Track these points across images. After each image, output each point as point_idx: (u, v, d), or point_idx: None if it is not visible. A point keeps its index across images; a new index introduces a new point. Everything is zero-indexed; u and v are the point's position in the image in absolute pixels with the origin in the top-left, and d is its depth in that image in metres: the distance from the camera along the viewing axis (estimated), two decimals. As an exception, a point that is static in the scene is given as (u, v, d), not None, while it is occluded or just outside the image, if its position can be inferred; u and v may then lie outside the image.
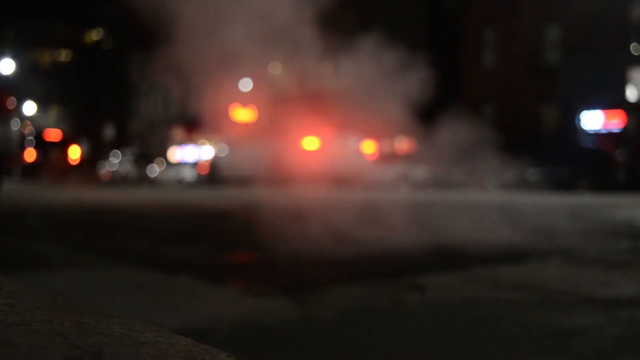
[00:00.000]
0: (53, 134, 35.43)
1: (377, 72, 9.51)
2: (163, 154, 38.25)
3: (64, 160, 32.61)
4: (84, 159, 36.00)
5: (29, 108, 49.62)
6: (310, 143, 17.76)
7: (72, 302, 1.98)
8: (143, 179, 35.05)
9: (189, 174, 32.52)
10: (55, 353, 1.34)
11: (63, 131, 41.31)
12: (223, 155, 25.50)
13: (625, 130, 28.33)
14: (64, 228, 8.72)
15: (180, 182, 31.94)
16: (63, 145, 33.45)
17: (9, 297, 1.89)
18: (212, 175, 25.77)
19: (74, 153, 33.22)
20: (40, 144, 32.25)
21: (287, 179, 17.39)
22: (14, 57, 40.72)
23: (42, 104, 56.30)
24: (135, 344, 1.48)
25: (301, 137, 16.90)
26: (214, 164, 26.19)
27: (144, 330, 1.61)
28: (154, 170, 36.83)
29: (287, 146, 18.00)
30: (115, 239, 7.51)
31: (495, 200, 14.68)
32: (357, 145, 20.22)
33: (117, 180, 35.95)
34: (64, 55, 62.36)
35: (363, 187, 20.21)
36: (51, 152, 32.56)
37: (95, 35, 60.81)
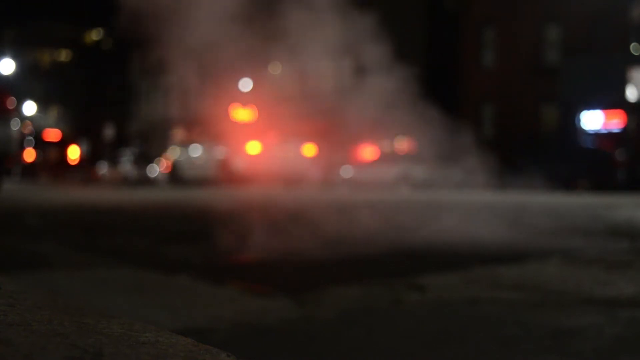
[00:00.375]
0: (52, 134, 35.39)
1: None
2: (163, 154, 38.30)
3: (63, 160, 32.60)
4: (83, 159, 35.97)
5: (29, 108, 49.57)
6: (253, 147, 19.92)
7: (72, 302, 1.98)
8: (143, 179, 35.07)
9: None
10: (55, 353, 1.34)
11: (62, 131, 41.24)
12: (181, 156, 27.55)
13: (625, 130, 28.32)
14: (64, 228, 8.72)
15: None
16: (62, 145, 33.44)
17: (9, 297, 1.89)
18: (173, 175, 27.30)
19: (73, 153, 33.21)
20: (40, 144, 32.23)
21: (234, 180, 19.72)
22: (14, 57, 40.67)
23: (42, 104, 56.25)
24: (135, 344, 1.48)
25: (245, 141, 19.02)
26: (174, 165, 27.85)
27: (144, 330, 1.61)
28: (154, 170, 36.86)
29: (233, 150, 21.14)
30: (115, 239, 7.51)
31: (495, 200, 14.68)
32: (297, 149, 21.81)
33: (117, 180, 35.98)
34: (64, 55, 62.30)
35: (362, 188, 20.47)
36: (50, 152, 32.55)
37: (95, 35, 60.76)
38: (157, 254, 6.32)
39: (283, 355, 3.01)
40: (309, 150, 22.66)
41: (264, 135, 18.91)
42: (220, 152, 23.33)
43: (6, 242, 6.76)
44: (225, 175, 22.17)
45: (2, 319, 1.61)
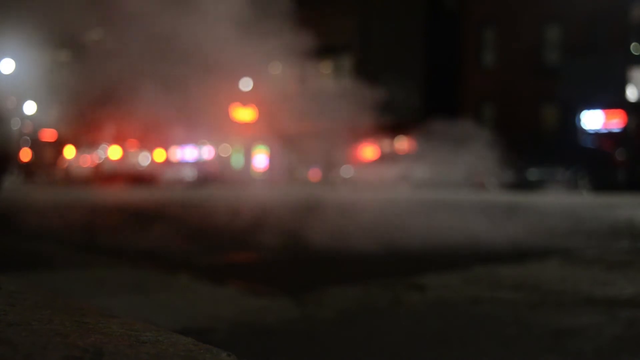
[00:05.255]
0: (48, 134, 35.36)
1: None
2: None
3: (59, 160, 32.82)
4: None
5: (29, 108, 49.47)
6: (115, 152, 26.12)
7: (73, 301, 1.98)
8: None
9: (189, 174, 32.71)
10: (56, 352, 1.34)
11: (58, 131, 41.17)
12: (72, 161, 33.04)
13: (625, 130, 28.30)
14: (64, 228, 8.72)
15: (181, 182, 32.06)
16: (58, 145, 33.52)
17: (9, 296, 1.89)
18: (66, 175, 32.06)
19: (69, 153, 33.29)
20: (36, 144, 32.46)
21: (103, 180, 24.47)
22: (14, 57, 40.48)
23: (41, 104, 56.09)
24: (135, 343, 1.48)
25: (110, 146, 25.00)
26: (67, 168, 32.82)
27: (144, 330, 1.61)
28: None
29: (103, 155, 27.27)
30: (115, 239, 7.51)
31: (495, 200, 14.68)
32: (149, 155, 27.73)
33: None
34: (64, 55, 62.18)
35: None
36: (46, 152, 32.83)
37: (95, 35, 60.67)
38: (157, 254, 6.32)
39: (283, 355, 3.01)
40: (159, 155, 28.11)
41: (123, 143, 24.81)
42: (96, 156, 29.23)
43: (6, 242, 6.76)
44: (97, 176, 27.41)
45: (2, 319, 1.60)
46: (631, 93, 28.52)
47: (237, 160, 26.86)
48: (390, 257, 6.13)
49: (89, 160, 30.03)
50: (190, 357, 1.42)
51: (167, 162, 29.77)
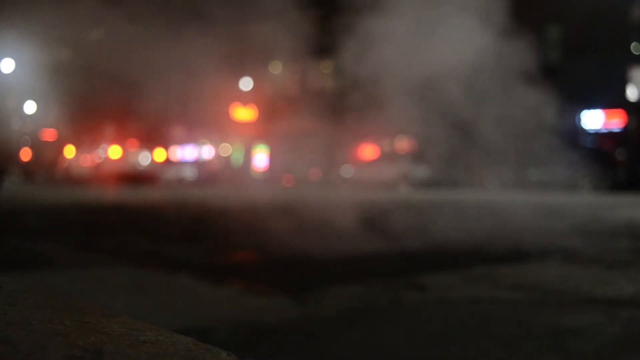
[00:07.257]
0: (48, 134, 35.40)
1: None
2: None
3: (59, 159, 32.87)
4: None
5: (29, 108, 49.47)
6: (115, 152, 27.14)
7: (73, 301, 1.98)
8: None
9: (189, 174, 32.78)
10: (56, 352, 1.34)
11: (58, 131, 41.22)
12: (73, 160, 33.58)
13: (625, 129, 28.30)
14: (64, 228, 8.72)
15: (181, 182, 32.08)
16: (58, 144, 33.57)
17: (9, 296, 1.89)
18: (67, 174, 32.35)
19: (69, 153, 33.34)
20: (36, 143, 32.51)
21: (103, 180, 25.05)
22: (14, 57, 40.49)
23: (41, 104, 56.06)
24: (135, 343, 1.48)
25: (110, 146, 26.34)
26: (67, 167, 33.06)
27: (145, 330, 1.61)
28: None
29: (103, 154, 28.21)
30: (116, 239, 7.51)
31: (495, 200, 14.67)
32: (150, 154, 28.51)
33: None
34: (64, 55, 62.11)
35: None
36: (46, 152, 32.90)
37: (95, 34, 60.57)
38: (157, 254, 6.32)
39: (283, 354, 3.01)
40: (159, 154, 28.78)
41: (124, 143, 25.65)
42: (96, 156, 29.93)
43: (6, 242, 6.76)
44: (97, 176, 27.79)
45: (2, 318, 1.61)
46: (631, 93, 28.53)
47: (237, 160, 26.96)
48: (390, 257, 6.13)
49: (89, 160, 30.34)
50: (190, 357, 1.42)
51: (167, 161, 29.85)
